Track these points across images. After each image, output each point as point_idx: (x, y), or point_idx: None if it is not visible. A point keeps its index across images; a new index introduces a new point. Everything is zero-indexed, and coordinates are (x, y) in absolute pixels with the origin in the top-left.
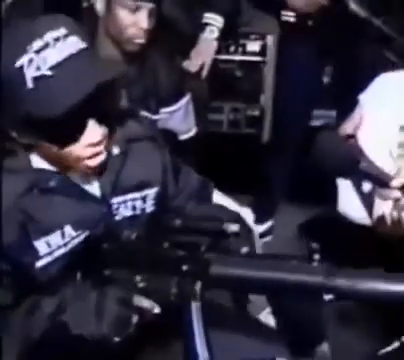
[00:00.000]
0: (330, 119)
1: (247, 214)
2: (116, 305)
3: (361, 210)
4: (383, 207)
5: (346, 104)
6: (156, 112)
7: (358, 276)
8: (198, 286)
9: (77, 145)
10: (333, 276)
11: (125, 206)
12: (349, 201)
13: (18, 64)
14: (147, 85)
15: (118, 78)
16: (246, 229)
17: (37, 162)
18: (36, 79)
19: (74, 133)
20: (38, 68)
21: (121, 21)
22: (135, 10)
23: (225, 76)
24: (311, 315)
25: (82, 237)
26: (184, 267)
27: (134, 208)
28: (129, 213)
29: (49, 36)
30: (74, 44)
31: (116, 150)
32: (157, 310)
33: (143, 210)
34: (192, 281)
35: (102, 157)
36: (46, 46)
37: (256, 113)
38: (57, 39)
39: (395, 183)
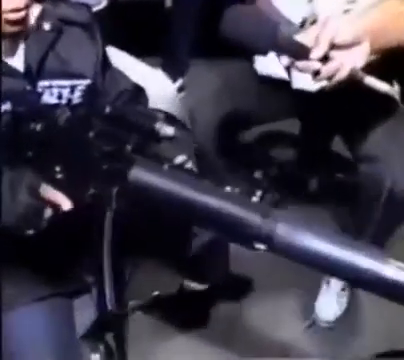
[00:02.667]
0: None
1: (159, 75)
2: (26, 193)
3: (280, 69)
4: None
5: None
6: None
7: (305, 229)
8: (114, 191)
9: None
10: (272, 220)
11: (50, 92)
12: (266, 61)
13: None
14: None
15: None
16: (186, 135)
17: None
18: None
19: None
20: None
21: None
22: None
23: None
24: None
25: (8, 111)
26: (104, 166)
27: (60, 96)
28: (54, 101)
29: None
30: None
31: (47, 26)
32: (67, 206)
33: (69, 101)
34: (109, 184)
35: (25, 26)
36: None
37: None
38: None
39: (314, 54)
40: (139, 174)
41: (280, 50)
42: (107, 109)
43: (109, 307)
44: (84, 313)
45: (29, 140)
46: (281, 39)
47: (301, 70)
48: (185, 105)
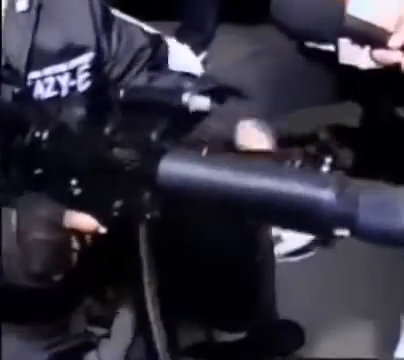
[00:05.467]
0: None
1: (178, 46)
2: (45, 230)
3: None
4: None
5: None
6: None
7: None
8: (146, 197)
9: None
10: (352, 194)
11: (44, 84)
12: None
13: None
14: None
15: None
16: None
17: None
18: None
19: None
20: None
21: None
22: None
23: None
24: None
25: None
26: (128, 166)
27: (58, 86)
28: (50, 94)
29: None
30: None
31: (21, 5)
32: (102, 230)
33: (73, 89)
34: (138, 189)
35: None
36: None
37: None
38: None
39: (394, 41)
40: (171, 168)
41: (349, 35)
42: (120, 93)
43: None
44: None
45: (35, 153)
46: (349, 21)
47: (377, 60)
48: None
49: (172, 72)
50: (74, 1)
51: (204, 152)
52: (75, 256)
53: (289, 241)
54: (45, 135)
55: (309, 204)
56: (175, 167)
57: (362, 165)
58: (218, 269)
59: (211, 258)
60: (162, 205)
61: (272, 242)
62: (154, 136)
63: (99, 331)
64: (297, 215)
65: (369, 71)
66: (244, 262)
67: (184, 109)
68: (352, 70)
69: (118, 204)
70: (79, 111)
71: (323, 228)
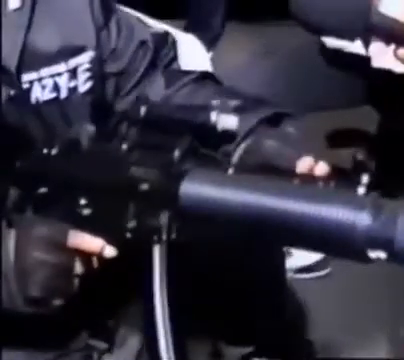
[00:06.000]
0: None
1: (188, 38)
2: (46, 250)
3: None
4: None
5: None
6: None
7: None
8: (164, 218)
9: None
10: (389, 216)
11: (41, 86)
12: None
13: None
14: None
15: None
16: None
17: None
18: None
19: None
20: None
21: None
22: None
23: None
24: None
25: None
26: (144, 186)
27: (56, 88)
28: (49, 96)
29: None
30: None
31: (14, 2)
32: (111, 252)
33: (73, 90)
34: (154, 209)
35: None
36: None
37: None
38: None
39: None
40: (194, 190)
41: (374, 32)
42: (142, 111)
43: None
44: None
45: (42, 171)
46: (376, 17)
47: (401, 60)
48: None
49: (187, 73)
50: None
51: (230, 171)
52: (77, 281)
53: (299, 257)
54: (54, 151)
55: (344, 228)
56: (198, 188)
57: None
58: (228, 284)
59: (220, 272)
60: (180, 227)
61: (284, 256)
62: (176, 155)
63: (101, 345)
64: (330, 239)
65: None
66: (254, 276)
67: (211, 128)
68: (374, 74)
69: (132, 225)
70: (90, 127)
71: (358, 252)
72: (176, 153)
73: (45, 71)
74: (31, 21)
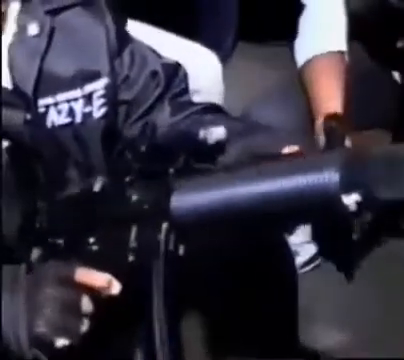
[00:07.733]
0: None
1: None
2: (53, 287)
3: None
4: None
5: None
6: None
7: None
8: (163, 231)
9: None
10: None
11: (57, 110)
12: None
13: None
14: None
15: None
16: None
17: None
18: None
19: None
20: None
21: None
22: None
23: None
24: None
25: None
26: (145, 205)
27: (72, 113)
28: (64, 120)
29: None
30: None
31: (33, 29)
32: (116, 289)
33: (87, 115)
34: (154, 226)
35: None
36: None
37: None
38: None
39: None
40: (181, 201)
41: None
42: (142, 148)
43: None
44: None
45: (59, 224)
46: None
47: None
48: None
49: (194, 105)
50: (89, 25)
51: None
52: (86, 322)
53: (303, 254)
54: (63, 197)
55: (318, 180)
56: (186, 197)
57: None
58: (237, 291)
59: (229, 280)
60: (179, 238)
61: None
62: (171, 174)
63: None
64: (309, 198)
65: None
66: (266, 282)
67: (202, 143)
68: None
69: (133, 245)
70: (102, 179)
71: (336, 202)
72: (171, 172)
73: (61, 96)
74: (48, 47)
